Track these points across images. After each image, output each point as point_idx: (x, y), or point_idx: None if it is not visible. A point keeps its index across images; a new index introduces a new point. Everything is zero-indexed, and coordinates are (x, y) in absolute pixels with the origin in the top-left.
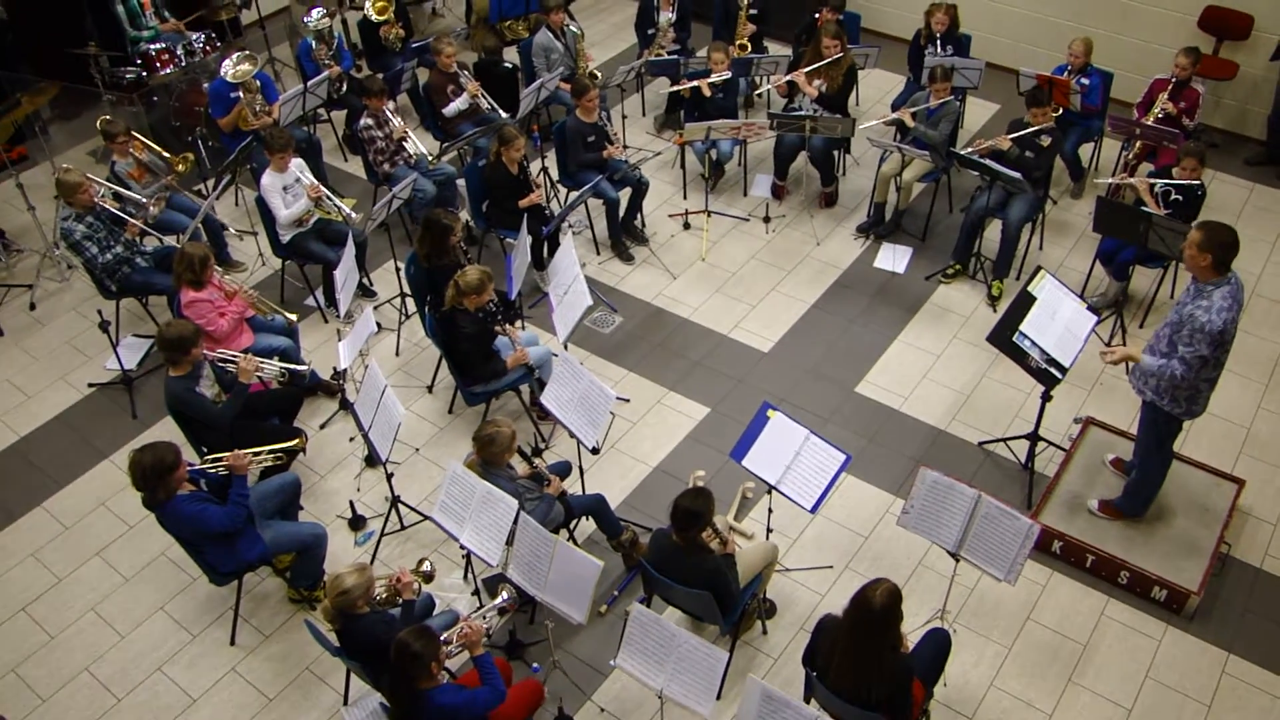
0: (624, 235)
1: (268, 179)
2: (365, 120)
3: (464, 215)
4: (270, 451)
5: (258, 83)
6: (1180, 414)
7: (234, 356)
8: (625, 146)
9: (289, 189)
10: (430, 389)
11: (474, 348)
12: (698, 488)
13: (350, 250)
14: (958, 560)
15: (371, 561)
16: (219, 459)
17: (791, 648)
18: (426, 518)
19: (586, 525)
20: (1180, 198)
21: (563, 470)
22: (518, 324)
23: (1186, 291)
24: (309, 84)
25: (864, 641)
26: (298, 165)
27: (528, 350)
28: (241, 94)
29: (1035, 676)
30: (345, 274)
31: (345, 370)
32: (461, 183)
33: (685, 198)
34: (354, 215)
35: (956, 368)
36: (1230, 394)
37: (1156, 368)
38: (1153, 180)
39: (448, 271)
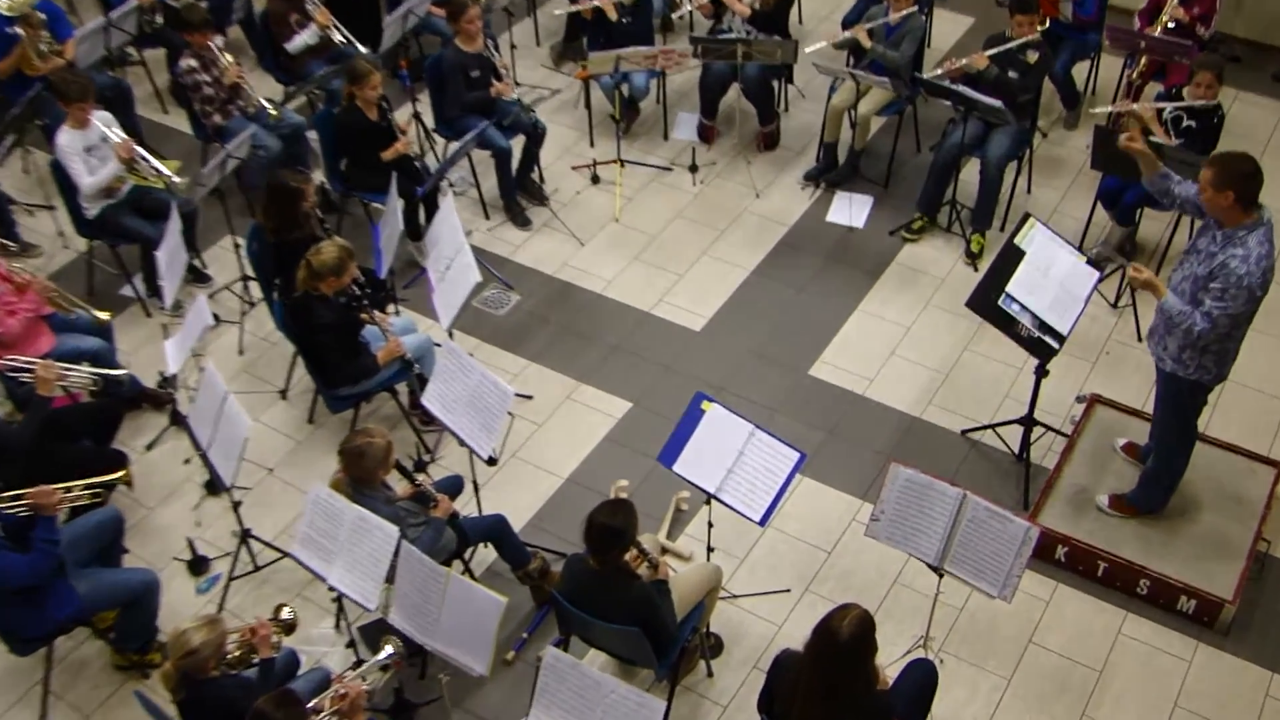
0: (518, 194)
1: (65, 138)
2: (187, 61)
3: (317, 176)
4: (87, 487)
5: (41, 15)
6: (1209, 379)
7: (29, 363)
8: (517, 84)
9: (93, 150)
10: (284, 394)
11: (336, 341)
12: (618, 500)
13: (175, 225)
14: (941, 575)
15: (219, 613)
16: (19, 496)
17: (744, 691)
18: (285, 554)
19: (485, 554)
20: (1194, 124)
21: (453, 487)
22: (389, 309)
23: (1209, 238)
24: (112, 15)
25: (831, 680)
26: (103, 120)
27: (403, 341)
28: (20, 30)
29: (1041, 712)
30: (170, 255)
31: (175, 375)
32: (313, 135)
33: (592, 145)
34: (178, 180)
35: (931, 341)
36: (1262, 359)
37: (1178, 311)
38: (1161, 104)
39: (299, 247)
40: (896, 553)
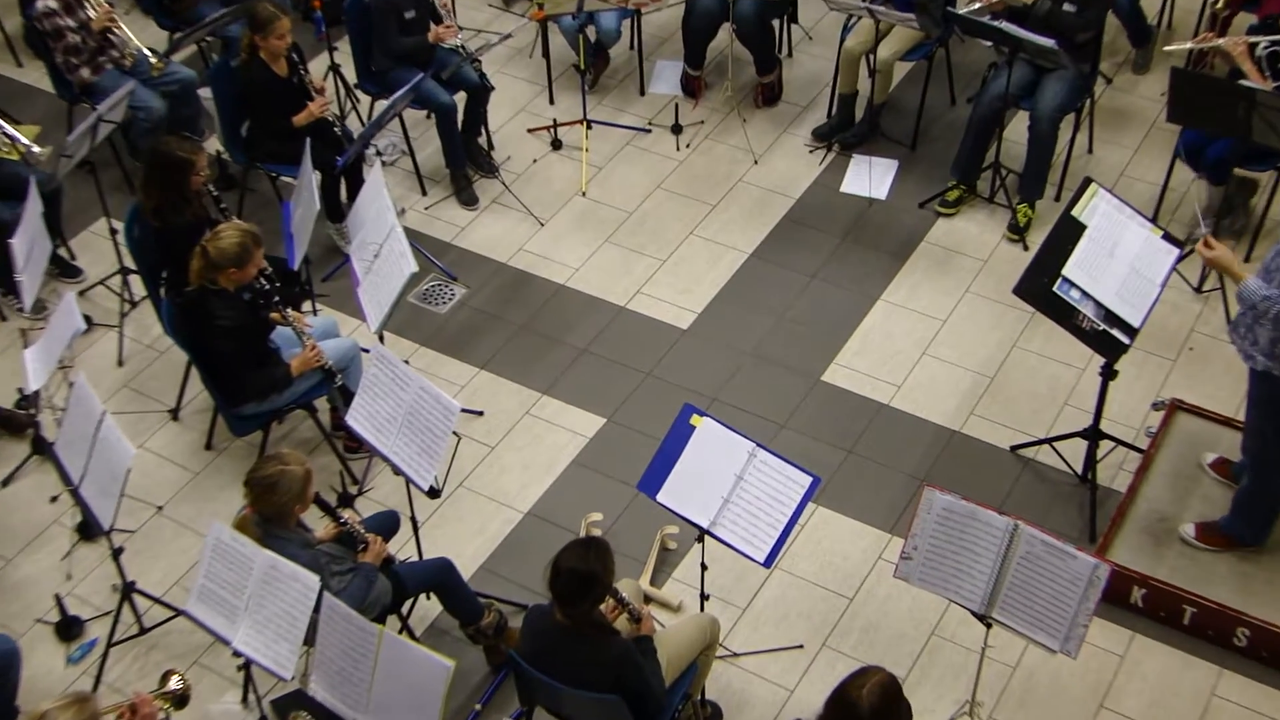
0: (463, 163)
1: None
2: (45, 1)
3: (211, 144)
4: None
5: None
6: None
7: None
8: (459, 28)
9: None
10: (175, 414)
11: (239, 347)
12: (589, 539)
13: (34, 206)
14: (989, 625)
15: (95, 686)
16: None
17: None
18: (178, 612)
19: (428, 607)
20: None
21: (387, 526)
22: (305, 307)
23: None
24: None
25: None
26: None
27: (322, 347)
28: None
29: None
30: (28, 244)
31: (37, 393)
32: (206, 93)
33: (552, 103)
34: (37, 151)
35: (971, 337)
36: None
37: (1261, 297)
38: (1255, 38)
39: (191, 233)
40: (933, 599)
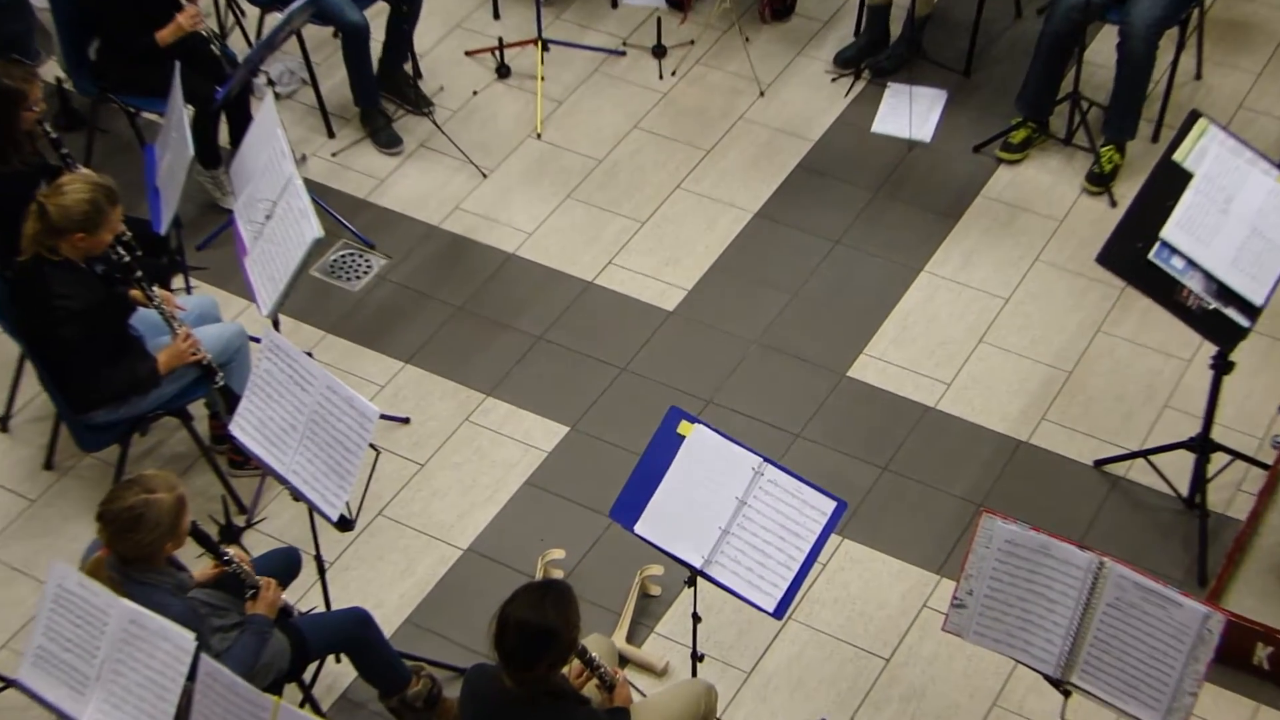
0: (377, 99)
1: None
2: None
3: (50, 68)
4: None
5: None
6: None
7: None
8: None
9: None
10: (4, 424)
11: (88, 336)
12: (547, 583)
13: None
14: (1067, 694)
15: None
16: None
17: None
18: (9, 683)
19: (339, 672)
20: None
21: (285, 567)
22: (176, 284)
23: None
24: None
25: None
26: None
27: (198, 335)
28: None
29: None
30: None
31: None
32: (42, 3)
33: (497, 17)
34: None
35: (1043, 320)
36: None
37: None
38: None
39: (22, 186)
40: (994, 660)
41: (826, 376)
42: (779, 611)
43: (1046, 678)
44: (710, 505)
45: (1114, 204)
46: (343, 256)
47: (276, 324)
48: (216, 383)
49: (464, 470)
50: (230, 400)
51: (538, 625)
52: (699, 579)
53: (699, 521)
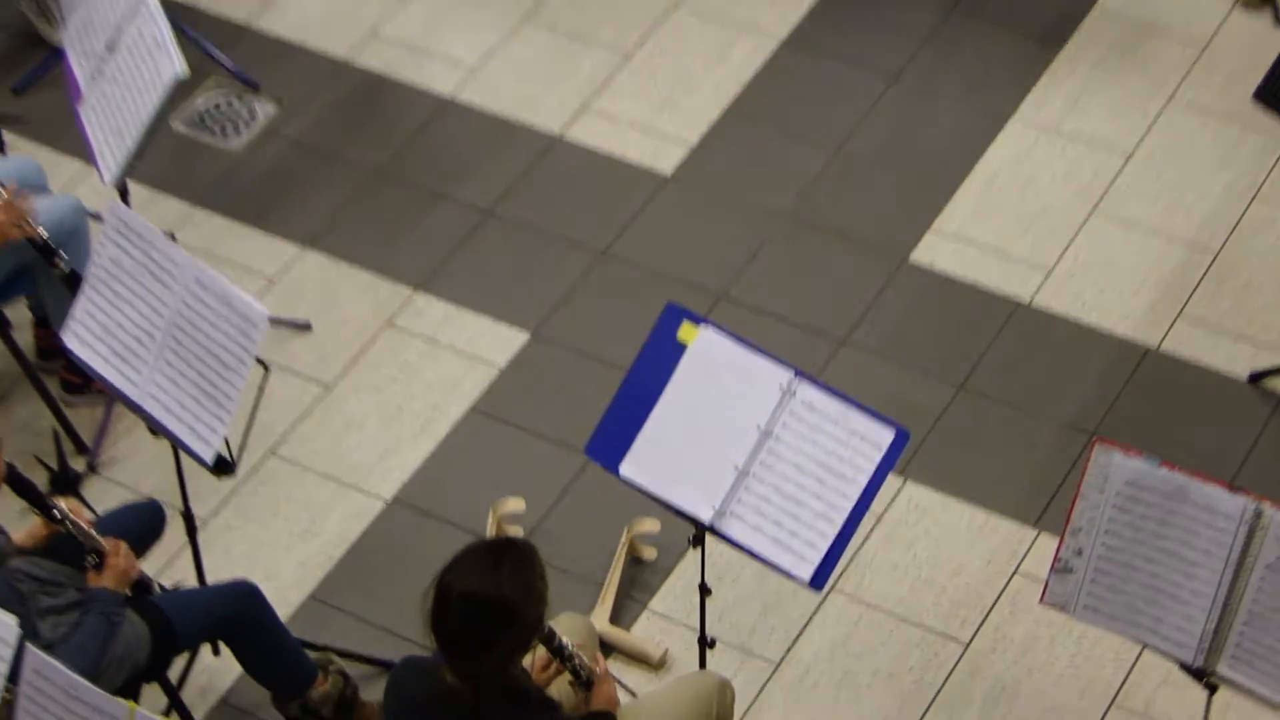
0: None
1: None
2: None
3: None
4: None
5: None
6: None
7: None
8: None
9: None
10: None
11: None
12: (502, 544)
13: None
14: (1212, 688)
15: None
16: None
17: None
18: None
19: (217, 666)
20: None
21: (141, 526)
22: None
23: None
24: None
25: None
26: None
27: (29, 202)
28: None
29: None
30: None
31: None
32: None
33: None
34: None
35: (1179, 184)
36: None
37: None
38: None
39: None
40: (1111, 643)
41: (881, 262)
42: (818, 580)
43: (1184, 667)
44: (723, 438)
45: (1277, 20)
46: (216, 103)
47: (125, 195)
48: (58, 267)
49: (386, 394)
50: (57, 298)
51: (489, 600)
52: (708, 537)
53: (708, 460)
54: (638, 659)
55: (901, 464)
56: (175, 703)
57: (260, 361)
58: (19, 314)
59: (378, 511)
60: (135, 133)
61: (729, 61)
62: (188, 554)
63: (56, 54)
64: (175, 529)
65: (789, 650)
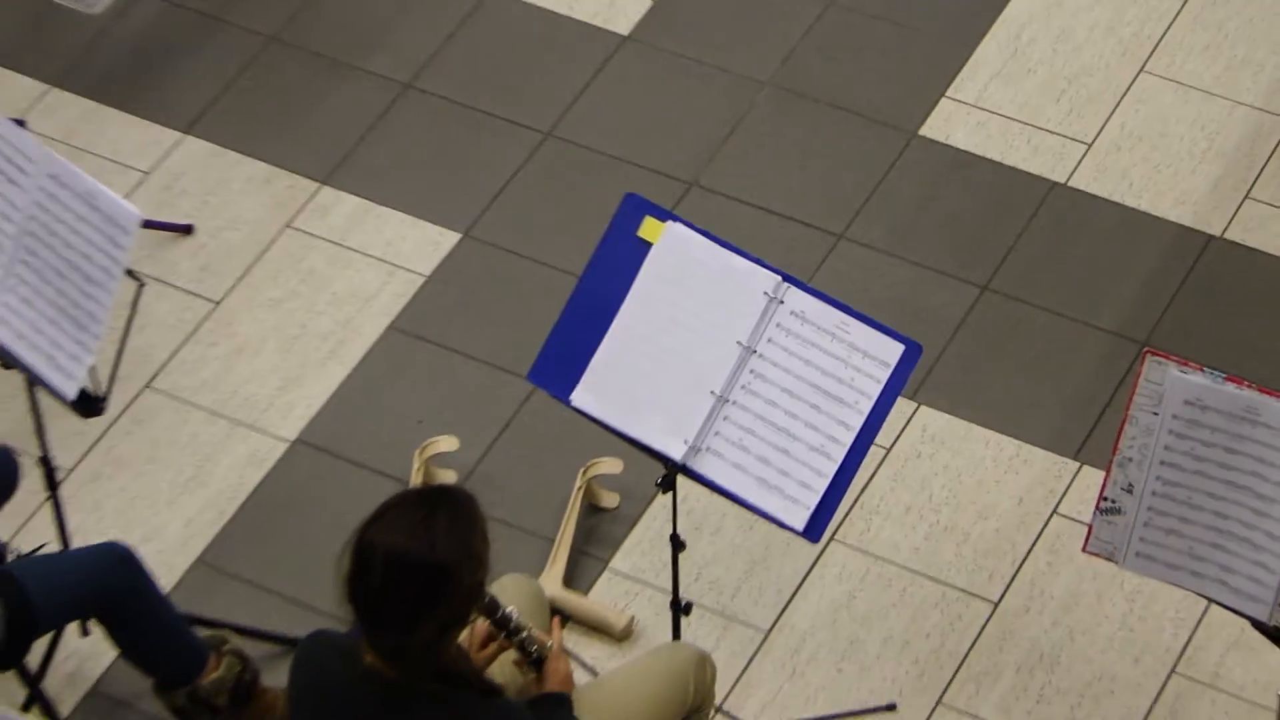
0: None
1: None
2: None
3: None
4: None
5: None
6: None
7: None
8: None
9: None
10: None
11: None
12: (432, 493)
13: None
14: None
15: None
16: None
17: None
18: None
19: (87, 648)
20: None
21: None
22: None
23: None
24: None
25: None
26: None
27: None
28: None
29: None
30: None
31: None
32: None
33: None
34: None
35: (1244, 34)
36: None
37: None
38: None
39: None
40: (1170, 597)
41: (885, 136)
42: (814, 530)
43: (1258, 625)
44: (696, 357)
45: None
46: None
47: None
48: None
49: (286, 310)
50: None
51: (420, 562)
52: (680, 479)
53: (678, 384)
54: (598, 629)
55: (913, 385)
56: (36, 695)
57: (132, 274)
58: None
59: (279, 455)
60: None
61: None
62: (47, 512)
63: None
64: (32, 481)
65: (780, 615)
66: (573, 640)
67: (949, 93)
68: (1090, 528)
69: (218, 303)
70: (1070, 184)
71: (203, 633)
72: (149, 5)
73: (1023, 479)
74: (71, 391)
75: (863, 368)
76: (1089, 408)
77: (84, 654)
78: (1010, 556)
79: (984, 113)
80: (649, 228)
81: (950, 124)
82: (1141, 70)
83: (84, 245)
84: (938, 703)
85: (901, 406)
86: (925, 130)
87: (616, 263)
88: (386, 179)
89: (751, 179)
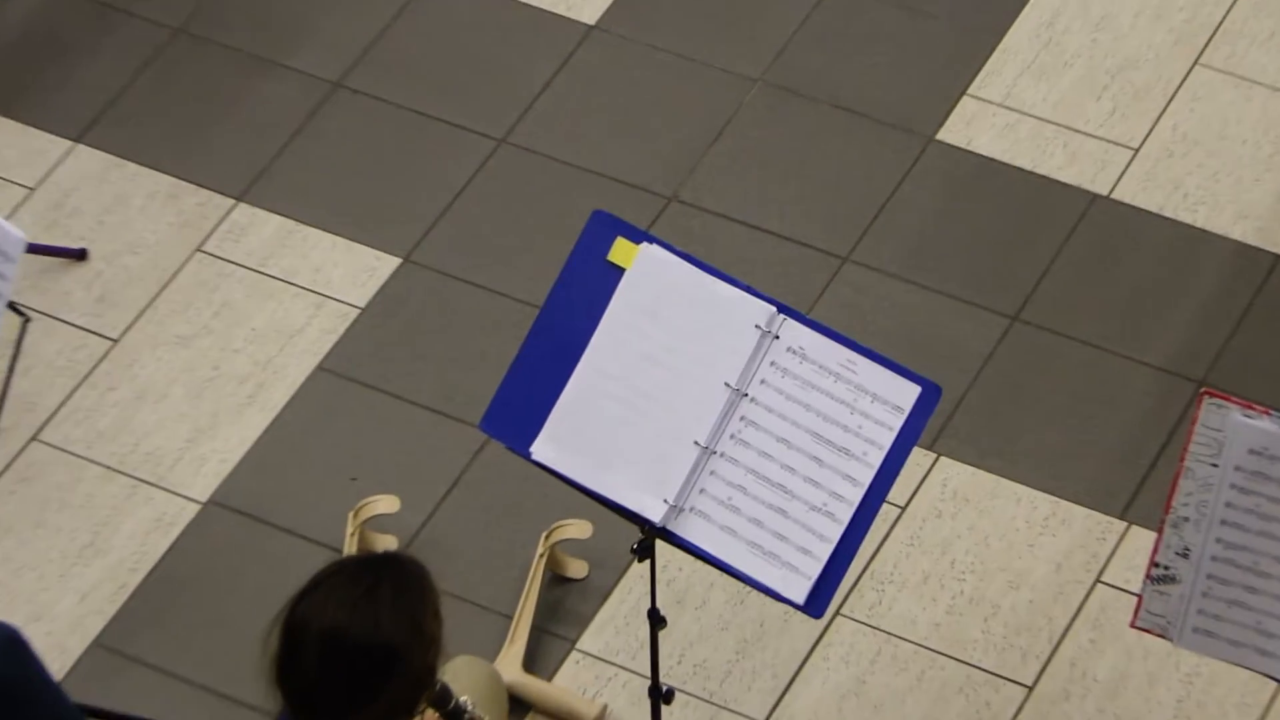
0: None
1: None
2: None
3: None
4: None
5: None
6: None
7: None
8: None
9: None
10: None
11: None
12: (375, 562)
13: None
14: None
15: None
16: None
17: None
18: None
19: None
20: None
21: None
22: None
23: None
24: None
25: None
26: None
27: None
28: None
29: None
30: None
31: None
32: None
33: None
34: None
35: None
36: None
37: None
38: None
39: None
40: (1234, 680)
41: (897, 141)
42: (816, 604)
43: None
44: (677, 401)
45: None
46: None
47: None
48: None
49: (197, 349)
50: None
51: (362, 643)
52: (660, 545)
53: (656, 433)
54: (565, 718)
55: (931, 433)
56: None
57: (15, 308)
58: None
59: (189, 518)
60: None
61: None
62: None
63: None
64: None
65: (778, 704)
66: None
67: (971, 90)
68: (1139, 599)
69: (116, 340)
70: (1113, 196)
71: None
72: None
73: (1060, 542)
74: None
75: (872, 413)
76: (1137, 458)
77: None
78: (1046, 633)
79: (1013, 113)
80: (621, 250)
81: (973, 126)
82: (1196, 63)
83: None
84: None
85: (918, 458)
86: (944, 134)
87: (583, 291)
88: (313, 195)
89: (741, 192)
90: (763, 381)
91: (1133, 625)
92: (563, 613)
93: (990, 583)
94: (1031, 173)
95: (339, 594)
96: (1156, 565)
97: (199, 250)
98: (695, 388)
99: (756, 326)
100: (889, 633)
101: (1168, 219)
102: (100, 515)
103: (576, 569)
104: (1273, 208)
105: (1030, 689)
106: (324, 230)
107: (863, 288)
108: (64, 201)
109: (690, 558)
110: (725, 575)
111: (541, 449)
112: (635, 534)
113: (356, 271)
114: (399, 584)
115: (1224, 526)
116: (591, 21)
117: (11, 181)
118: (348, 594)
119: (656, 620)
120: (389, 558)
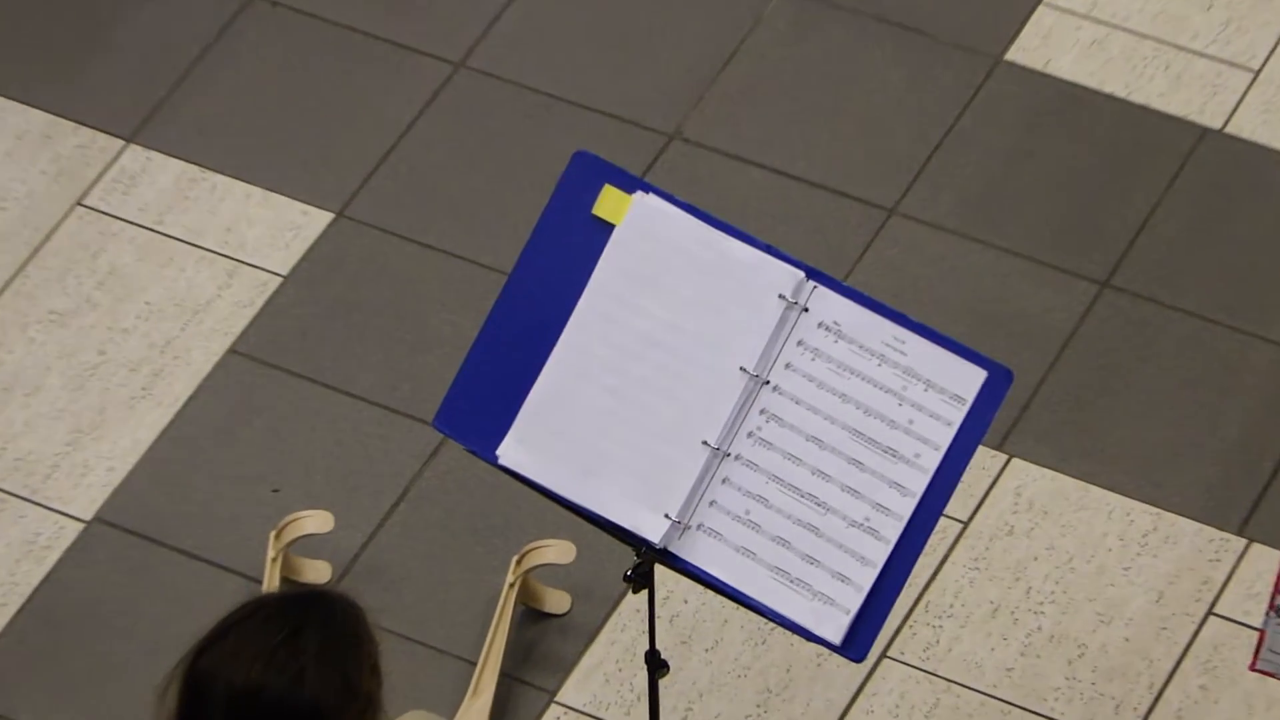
0: None
1: None
2: None
3: None
4: None
5: None
6: None
7: None
8: None
9: None
10: None
11: None
12: (298, 600)
13: None
14: None
15: None
16: None
17: None
18: None
19: None
20: None
21: None
22: None
23: None
24: None
25: None
26: None
27: None
28: None
29: None
30: None
31: None
32: None
33: None
34: None
35: None
36: None
37: None
38: None
39: None
40: None
41: (957, 62)
42: (857, 645)
43: None
44: (681, 392)
45: None
46: None
47: None
48: None
49: (78, 328)
50: None
51: (279, 700)
52: (660, 570)
53: (654, 432)
54: None
55: (1000, 429)
56: None
57: None
58: None
59: (69, 540)
60: None
61: None
62: None
63: None
64: None
65: None
66: None
67: None
68: (1261, 635)
69: None
70: (1228, 130)
71: None
72: None
73: (1163, 564)
74: None
75: (926, 405)
76: (1258, 460)
77: None
78: (1147, 678)
79: (1100, 26)
80: (609, 201)
81: (1051, 43)
82: None
83: None
84: None
85: (984, 460)
86: (1015, 53)
87: (562, 253)
88: (222, 135)
89: (759, 128)
90: (788, 366)
91: (1252, 668)
92: (539, 657)
93: (1075, 616)
94: (1126, 101)
95: (253, 642)
96: None
97: (79, 204)
98: (703, 375)
99: (780, 296)
100: (948, 679)
101: None
102: None
103: (556, 602)
104: None
105: None
106: (236, 178)
107: (914, 246)
108: None
109: (698, 587)
110: (742, 608)
111: (510, 452)
112: (629, 557)
113: (278, 230)
114: (327, 629)
115: None
116: None
117: None
118: (264, 642)
119: (656, 666)
120: (315, 597)
